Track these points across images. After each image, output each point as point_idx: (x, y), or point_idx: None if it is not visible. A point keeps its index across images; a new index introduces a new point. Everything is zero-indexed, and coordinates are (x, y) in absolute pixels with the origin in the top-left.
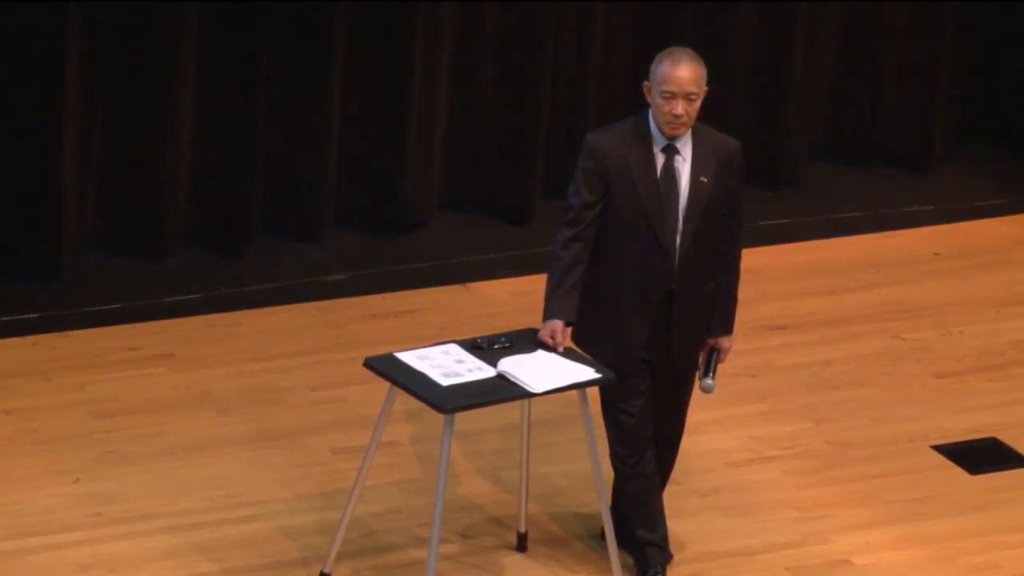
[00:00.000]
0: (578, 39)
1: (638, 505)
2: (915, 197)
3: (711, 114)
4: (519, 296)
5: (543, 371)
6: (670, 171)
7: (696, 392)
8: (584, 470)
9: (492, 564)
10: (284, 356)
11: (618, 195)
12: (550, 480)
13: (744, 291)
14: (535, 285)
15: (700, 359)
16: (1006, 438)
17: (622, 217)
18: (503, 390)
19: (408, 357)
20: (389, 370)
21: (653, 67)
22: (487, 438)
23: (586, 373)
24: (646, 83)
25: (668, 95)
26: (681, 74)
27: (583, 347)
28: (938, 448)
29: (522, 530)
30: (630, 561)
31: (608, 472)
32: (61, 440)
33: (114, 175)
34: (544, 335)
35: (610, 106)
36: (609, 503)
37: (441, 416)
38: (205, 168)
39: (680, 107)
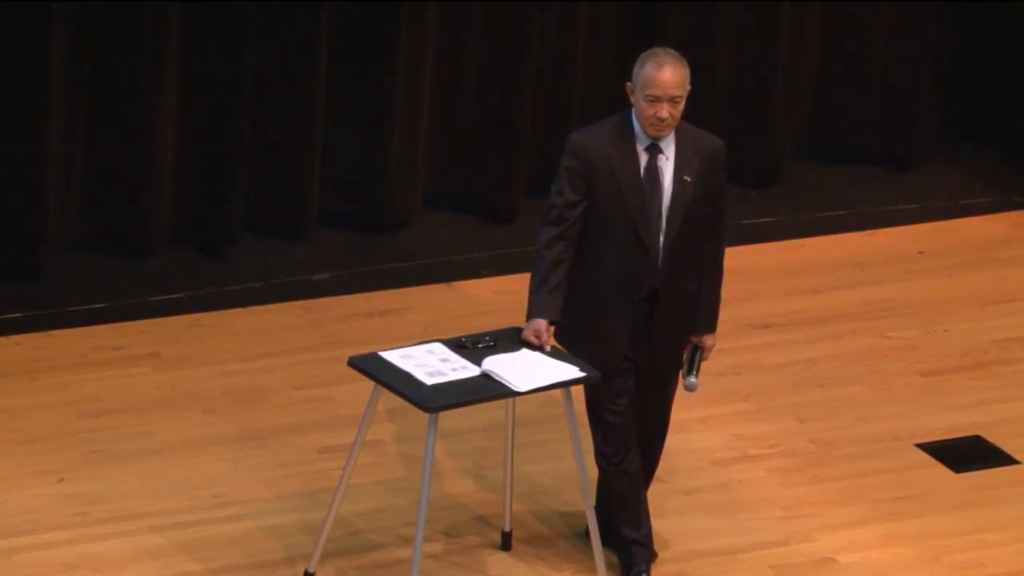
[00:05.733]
0: (563, 38)
1: (623, 503)
2: (899, 195)
3: (695, 113)
4: (504, 295)
5: (527, 370)
6: (653, 170)
7: (681, 391)
8: (568, 469)
9: (477, 563)
10: (269, 355)
11: (601, 194)
12: (535, 479)
13: (729, 290)
14: (520, 284)
15: (684, 357)
16: (991, 436)
17: (605, 216)
18: (487, 389)
19: (392, 356)
20: (373, 369)
21: (636, 69)
22: (471, 437)
23: (570, 372)
24: (628, 84)
25: (652, 98)
26: (665, 77)
27: (567, 346)
28: (923, 447)
29: (507, 529)
30: (615, 560)
31: (593, 471)
32: (46, 440)
33: (98, 174)
34: (528, 335)
35: (595, 105)
36: (594, 502)
37: (425, 415)
38: (189, 167)
39: (665, 110)
